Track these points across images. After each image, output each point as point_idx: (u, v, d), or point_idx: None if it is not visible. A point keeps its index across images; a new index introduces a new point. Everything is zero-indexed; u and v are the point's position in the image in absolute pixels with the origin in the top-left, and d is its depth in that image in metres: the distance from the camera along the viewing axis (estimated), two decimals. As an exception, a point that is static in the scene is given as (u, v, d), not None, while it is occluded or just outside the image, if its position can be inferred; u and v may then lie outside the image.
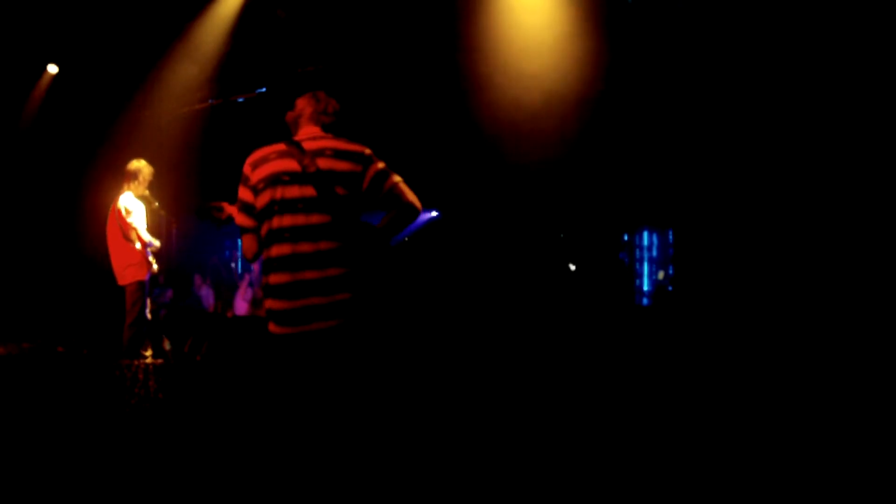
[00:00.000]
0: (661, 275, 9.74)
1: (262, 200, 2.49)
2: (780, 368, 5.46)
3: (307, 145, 2.52)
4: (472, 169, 8.38)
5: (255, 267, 10.16)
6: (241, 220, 2.60)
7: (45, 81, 8.79)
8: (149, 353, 6.15)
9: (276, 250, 2.46)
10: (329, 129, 2.65)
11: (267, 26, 7.60)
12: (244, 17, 7.62)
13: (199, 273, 9.03)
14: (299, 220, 2.44)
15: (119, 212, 5.57)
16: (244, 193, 2.57)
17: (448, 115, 7.91)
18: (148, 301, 5.70)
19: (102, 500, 3.07)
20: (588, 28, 6.58)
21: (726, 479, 3.35)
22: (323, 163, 2.47)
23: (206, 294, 8.83)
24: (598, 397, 5.04)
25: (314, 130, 2.62)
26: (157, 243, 5.69)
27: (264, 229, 2.51)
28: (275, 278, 2.47)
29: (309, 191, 2.44)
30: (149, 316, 5.76)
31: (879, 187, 5.61)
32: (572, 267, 9.30)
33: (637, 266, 9.87)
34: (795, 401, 4.69)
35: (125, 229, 5.56)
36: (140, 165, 5.73)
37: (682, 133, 7.09)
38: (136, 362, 5.33)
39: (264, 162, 2.52)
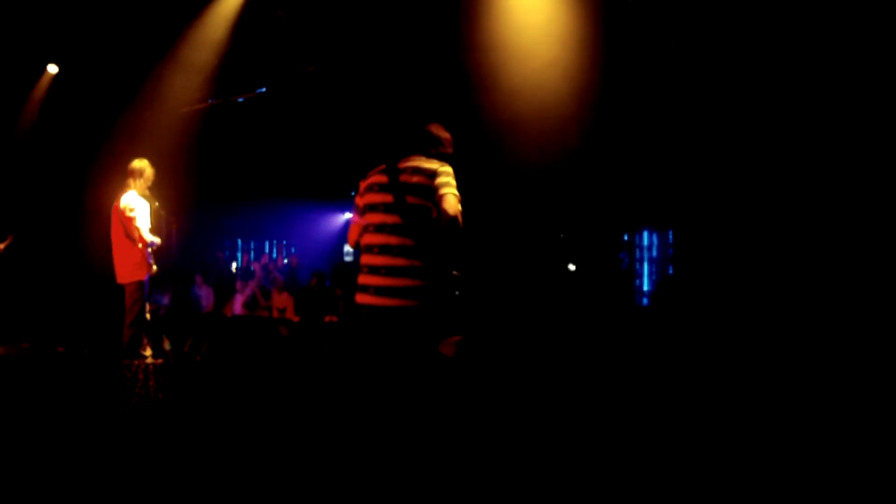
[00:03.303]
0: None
1: (361, 203, 3.39)
2: (779, 367, 5.46)
3: (400, 165, 3.31)
4: (471, 169, 8.37)
5: (256, 267, 10.19)
6: (353, 217, 3.50)
7: (45, 81, 8.80)
8: (149, 353, 6.16)
9: (365, 240, 3.32)
10: (434, 155, 3.37)
11: (267, 26, 7.61)
12: (244, 17, 7.62)
13: (202, 273, 9.03)
14: (379, 218, 3.25)
15: (122, 210, 5.55)
16: (357, 199, 3.46)
17: (448, 115, 7.89)
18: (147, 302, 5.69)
19: (103, 499, 3.07)
20: (588, 28, 6.59)
21: (726, 477, 3.35)
22: (402, 177, 3.25)
23: (206, 294, 8.83)
24: (598, 397, 5.04)
25: (416, 156, 3.36)
26: (158, 241, 5.69)
27: (362, 224, 3.37)
28: (363, 259, 3.31)
29: (388, 198, 3.25)
30: (147, 316, 5.75)
31: (878, 187, 5.61)
32: (572, 267, 9.30)
33: (637, 266, 9.88)
34: (795, 400, 4.69)
35: (128, 227, 5.54)
36: (144, 164, 5.73)
37: (683, 133, 7.10)
38: (136, 362, 5.33)
39: (369, 177, 3.40)
